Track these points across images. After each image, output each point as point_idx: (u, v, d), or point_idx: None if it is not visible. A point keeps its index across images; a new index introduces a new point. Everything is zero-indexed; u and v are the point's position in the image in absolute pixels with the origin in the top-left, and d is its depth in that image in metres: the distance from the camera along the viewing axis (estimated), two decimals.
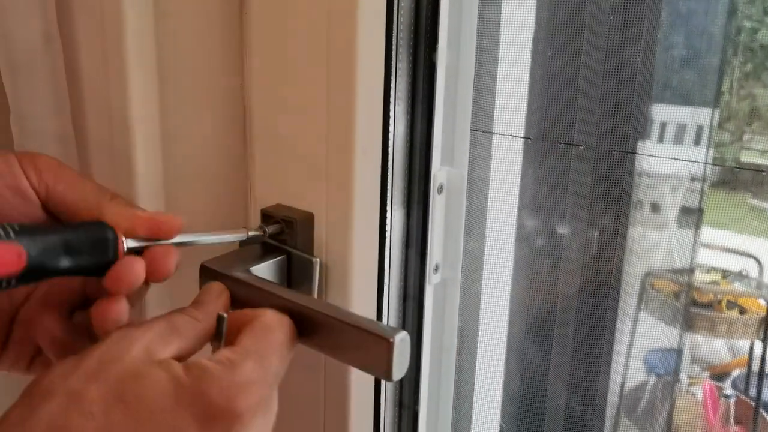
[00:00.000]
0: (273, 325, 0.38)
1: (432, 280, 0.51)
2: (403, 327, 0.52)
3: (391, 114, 0.47)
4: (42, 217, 0.40)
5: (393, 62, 0.46)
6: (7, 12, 0.49)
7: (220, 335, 0.39)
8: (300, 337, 0.41)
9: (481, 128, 0.54)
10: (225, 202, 0.53)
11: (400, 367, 0.37)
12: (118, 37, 0.47)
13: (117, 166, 0.51)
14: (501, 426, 0.74)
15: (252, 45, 0.48)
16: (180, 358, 0.36)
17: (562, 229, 0.61)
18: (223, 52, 0.51)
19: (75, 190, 0.40)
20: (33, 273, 0.35)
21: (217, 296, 0.41)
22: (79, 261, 0.36)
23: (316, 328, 0.40)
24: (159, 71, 0.49)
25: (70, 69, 0.51)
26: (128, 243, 0.39)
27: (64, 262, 0.36)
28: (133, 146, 0.49)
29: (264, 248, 0.48)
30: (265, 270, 0.46)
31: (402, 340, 0.37)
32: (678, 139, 0.71)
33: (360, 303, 0.47)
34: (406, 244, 0.50)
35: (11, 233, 0.34)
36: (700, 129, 0.73)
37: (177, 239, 0.41)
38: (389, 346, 0.37)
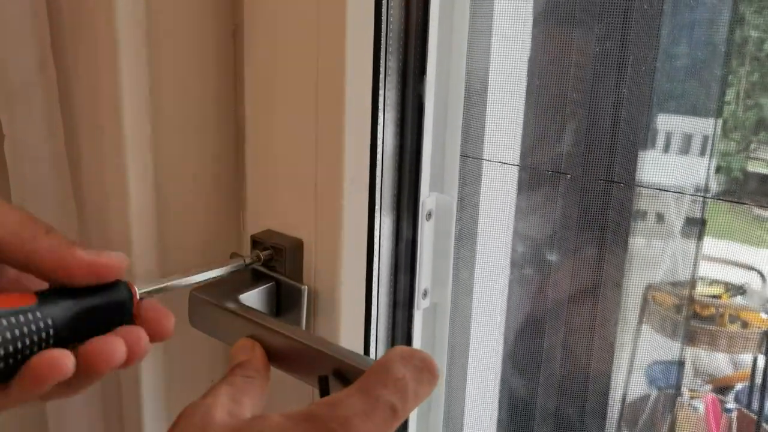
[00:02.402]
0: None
1: (421, 305, 0.52)
2: None
3: (379, 141, 0.47)
4: None
5: (381, 91, 0.46)
6: (3, 39, 0.50)
7: (326, 393, 0.38)
8: (286, 369, 0.41)
9: (471, 154, 0.54)
10: (217, 227, 0.54)
11: None
12: (111, 65, 0.48)
13: (110, 192, 0.51)
14: None
15: (244, 75, 0.49)
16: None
17: (561, 240, 0.62)
18: (217, 80, 0.51)
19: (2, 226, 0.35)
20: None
21: (252, 350, 0.41)
22: (98, 324, 0.36)
23: (305, 360, 0.40)
24: (152, 99, 0.50)
25: (64, 95, 0.51)
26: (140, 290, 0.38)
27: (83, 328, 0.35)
28: (126, 171, 0.50)
29: (253, 274, 0.49)
30: (253, 297, 0.47)
31: None
32: (683, 150, 0.71)
33: (348, 329, 0.48)
34: (395, 269, 0.51)
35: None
36: (703, 141, 0.73)
37: (176, 282, 0.42)
38: None
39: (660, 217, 0.74)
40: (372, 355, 0.50)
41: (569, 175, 0.52)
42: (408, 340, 0.52)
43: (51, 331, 0.34)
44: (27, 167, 0.53)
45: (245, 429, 0.33)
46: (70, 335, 0.35)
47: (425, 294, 0.52)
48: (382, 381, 0.33)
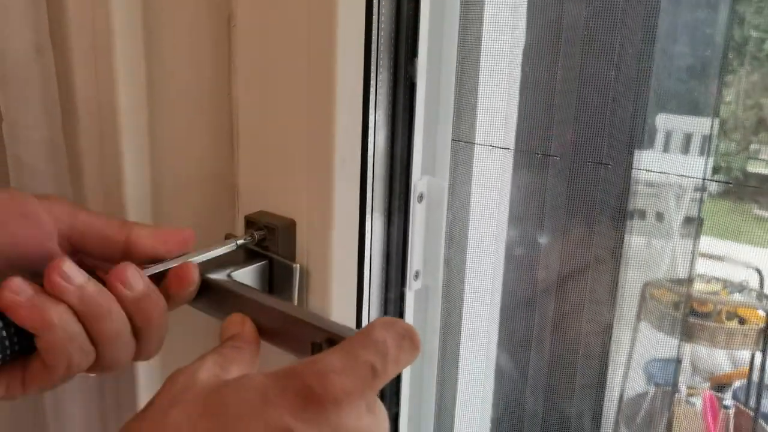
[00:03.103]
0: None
1: (413, 287, 0.52)
2: None
3: (371, 123, 0.48)
4: (54, 250, 0.42)
5: (373, 73, 0.47)
6: (1, 24, 0.51)
7: None
8: (277, 342, 0.42)
9: (463, 138, 0.55)
10: (212, 208, 0.54)
11: None
12: (108, 49, 0.49)
13: (106, 175, 0.52)
14: None
15: (238, 59, 0.49)
16: None
17: (558, 238, 0.62)
18: (211, 64, 0.52)
19: (97, 221, 0.43)
20: None
21: (242, 324, 0.42)
22: None
23: (295, 333, 0.41)
24: (148, 82, 0.51)
25: (61, 79, 0.52)
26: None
27: None
28: (122, 154, 0.51)
29: (247, 254, 0.49)
30: (246, 275, 0.47)
31: None
32: (683, 149, 0.71)
33: (340, 308, 0.48)
34: (387, 251, 0.51)
35: None
36: (701, 139, 0.73)
37: (174, 263, 0.43)
38: None
39: (658, 214, 0.74)
40: None
41: (557, 157, 0.53)
42: None
43: None
44: (23, 150, 0.54)
45: (228, 385, 0.33)
46: None
47: (417, 276, 0.52)
48: (362, 342, 0.34)
